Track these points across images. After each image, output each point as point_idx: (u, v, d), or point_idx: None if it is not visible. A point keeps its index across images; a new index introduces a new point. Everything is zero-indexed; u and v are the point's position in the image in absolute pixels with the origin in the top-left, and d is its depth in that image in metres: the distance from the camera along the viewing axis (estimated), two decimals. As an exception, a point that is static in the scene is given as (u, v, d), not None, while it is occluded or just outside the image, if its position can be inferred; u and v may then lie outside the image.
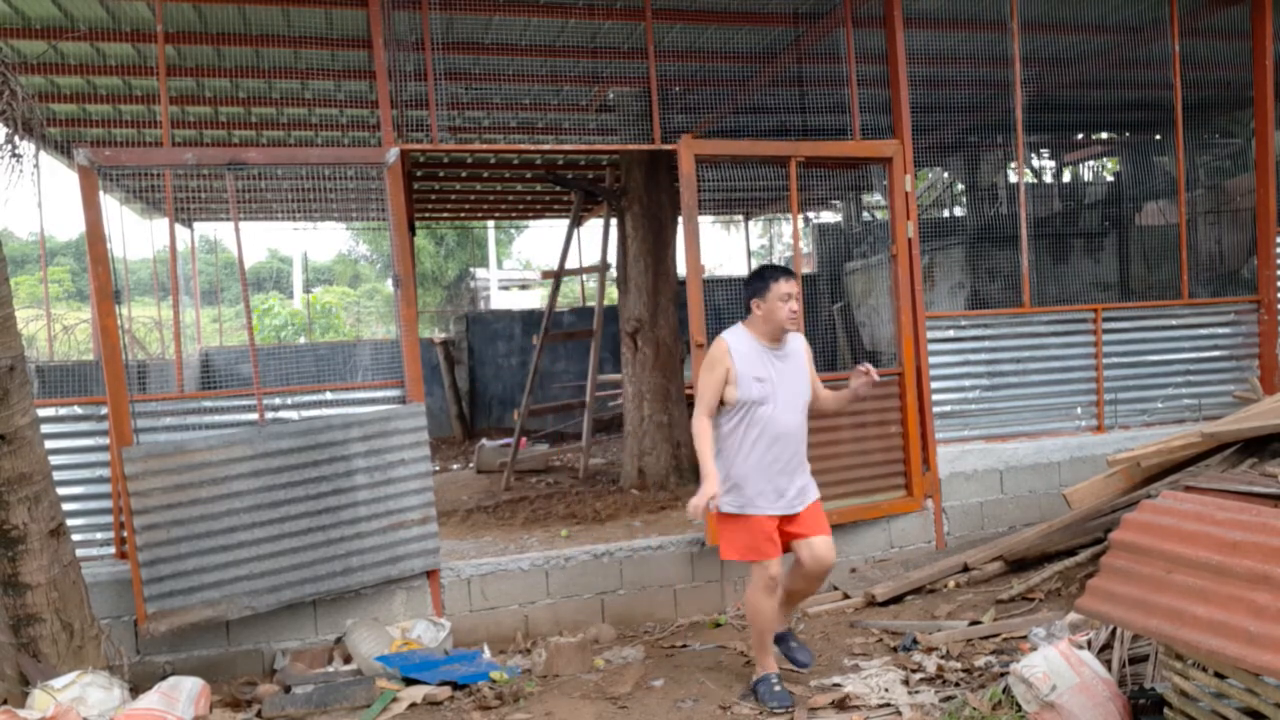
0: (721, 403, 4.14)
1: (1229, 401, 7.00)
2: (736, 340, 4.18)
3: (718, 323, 10.32)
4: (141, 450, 4.92)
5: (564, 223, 11.22)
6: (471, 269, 25.76)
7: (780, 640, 4.42)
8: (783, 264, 4.11)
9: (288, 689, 4.78)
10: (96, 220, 4.95)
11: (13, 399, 4.21)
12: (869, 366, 4.14)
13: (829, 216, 17.70)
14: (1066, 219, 12.29)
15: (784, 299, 4.06)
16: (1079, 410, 6.85)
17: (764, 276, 4.14)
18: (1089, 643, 4.05)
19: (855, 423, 6.13)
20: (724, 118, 8.85)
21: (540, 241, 59.05)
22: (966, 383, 6.63)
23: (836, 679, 4.51)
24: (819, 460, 6.07)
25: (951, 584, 5.73)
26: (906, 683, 4.33)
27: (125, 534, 5.06)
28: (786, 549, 4.23)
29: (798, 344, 4.31)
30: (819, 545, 4.18)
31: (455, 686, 4.77)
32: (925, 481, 6.31)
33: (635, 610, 5.82)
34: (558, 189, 12.55)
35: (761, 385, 4.08)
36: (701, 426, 4.11)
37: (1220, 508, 3.05)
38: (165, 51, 5.70)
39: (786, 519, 4.18)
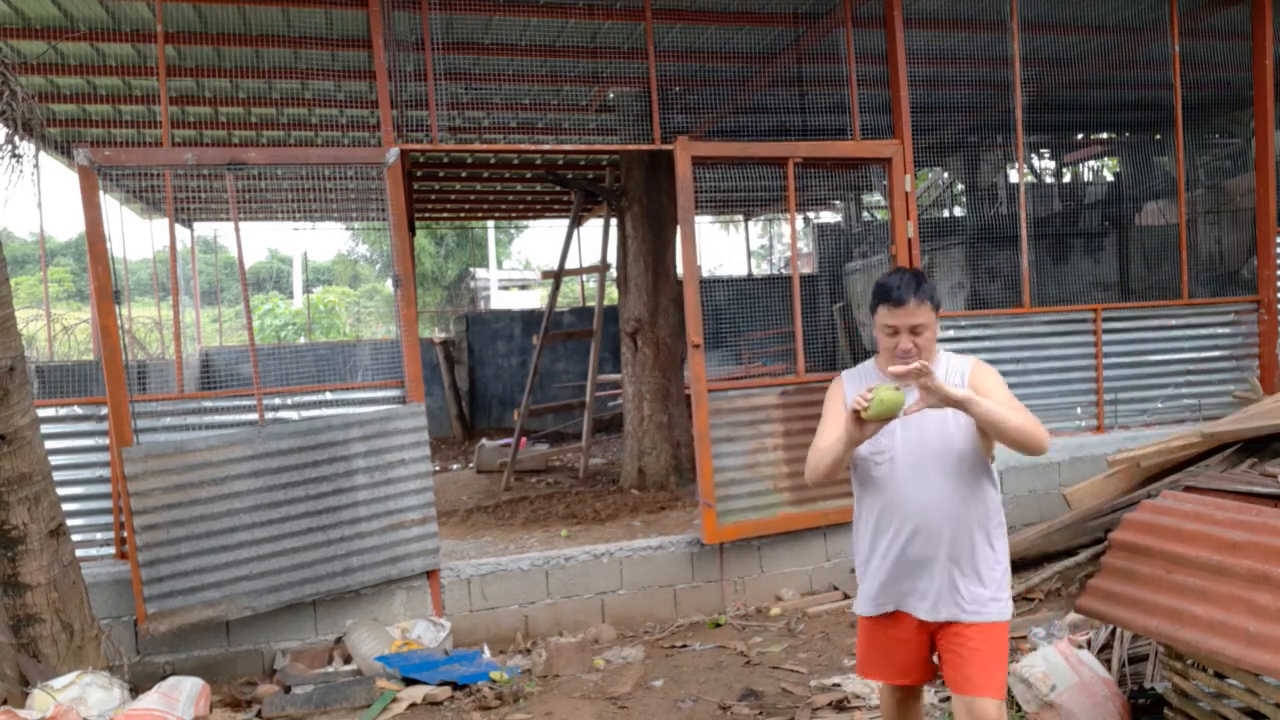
0: None
1: (1229, 401, 7.00)
2: (854, 376, 2.99)
3: (718, 323, 10.41)
4: (141, 450, 4.92)
5: (564, 223, 11.23)
6: (471, 269, 25.77)
7: None
8: (893, 276, 2.81)
9: (288, 689, 4.79)
10: (96, 220, 4.95)
11: (13, 399, 4.21)
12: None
13: (829, 216, 17.73)
14: (1066, 219, 12.29)
15: (886, 332, 2.78)
16: (1079, 410, 6.85)
17: (874, 293, 2.84)
18: (1089, 643, 4.05)
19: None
20: (724, 118, 8.85)
21: (540, 241, 59.05)
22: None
23: (836, 679, 4.51)
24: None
25: (951, 584, 5.73)
26: (906, 683, 4.33)
27: (125, 534, 5.06)
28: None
29: (942, 376, 2.78)
30: (976, 708, 2.71)
31: (455, 686, 4.77)
32: (925, 481, 6.31)
33: (635, 610, 5.83)
34: (558, 189, 12.56)
35: (875, 439, 2.77)
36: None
37: (1220, 508, 3.05)
38: (165, 51, 5.69)
39: (941, 637, 2.83)
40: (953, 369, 2.84)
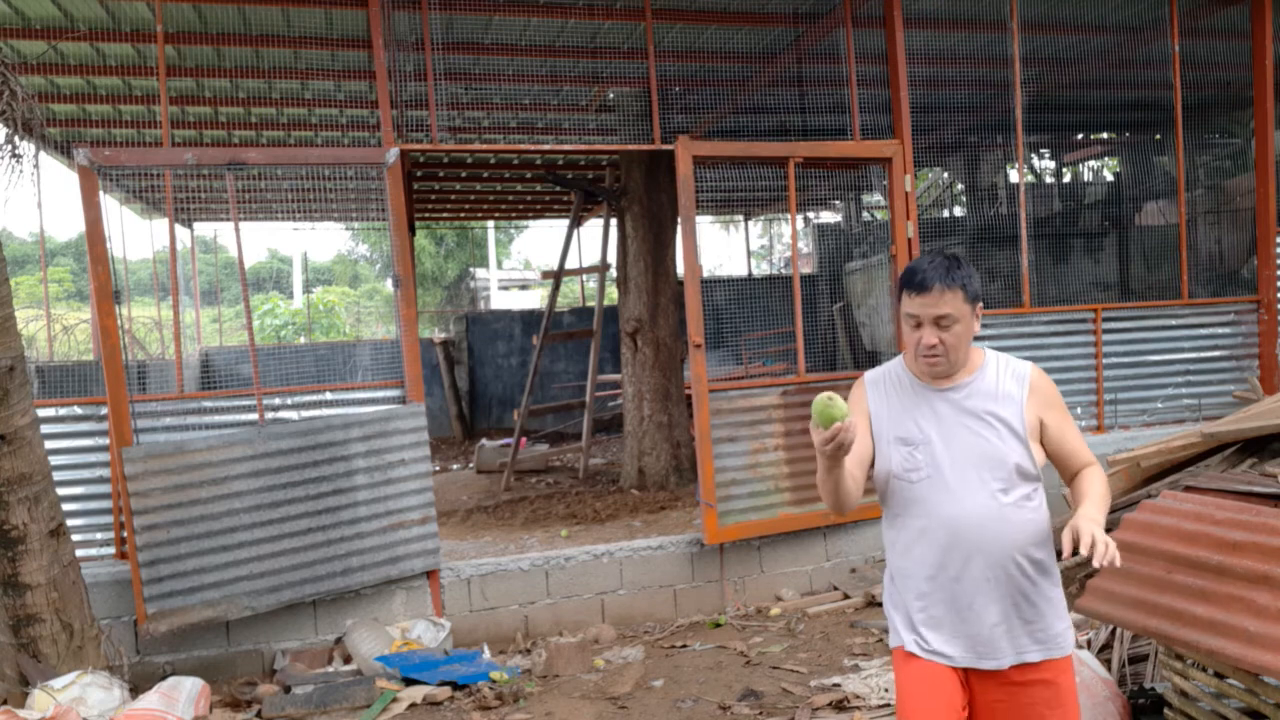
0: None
1: (1229, 401, 7.00)
2: (878, 379, 2.52)
3: (718, 323, 10.42)
4: (141, 450, 4.92)
5: (564, 223, 11.23)
6: (471, 269, 25.77)
7: None
8: (922, 259, 2.35)
9: (288, 689, 4.78)
10: (96, 220, 4.95)
11: (13, 399, 4.21)
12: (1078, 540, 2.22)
13: (829, 216, 17.73)
14: (1066, 219, 12.30)
15: (909, 323, 2.37)
16: (1079, 410, 6.84)
17: (900, 278, 2.41)
18: (1089, 642, 4.05)
19: (855, 423, 6.14)
20: (724, 118, 8.85)
21: (540, 241, 59.07)
22: (966, 383, 6.62)
23: (836, 679, 4.51)
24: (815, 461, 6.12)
25: (951, 584, 5.73)
26: (906, 683, 4.32)
27: (125, 534, 5.06)
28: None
29: (993, 378, 2.40)
30: None
31: (455, 686, 4.77)
32: (925, 481, 6.31)
33: (635, 610, 5.83)
34: (558, 189, 12.56)
35: (909, 452, 2.40)
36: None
37: (1220, 508, 3.05)
38: (165, 51, 5.70)
39: (989, 686, 2.37)
40: (1005, 372, 2.39)
